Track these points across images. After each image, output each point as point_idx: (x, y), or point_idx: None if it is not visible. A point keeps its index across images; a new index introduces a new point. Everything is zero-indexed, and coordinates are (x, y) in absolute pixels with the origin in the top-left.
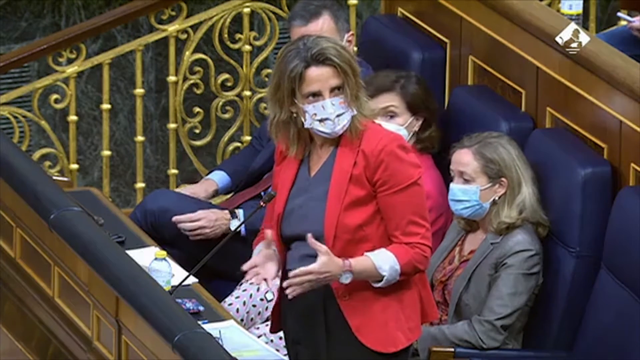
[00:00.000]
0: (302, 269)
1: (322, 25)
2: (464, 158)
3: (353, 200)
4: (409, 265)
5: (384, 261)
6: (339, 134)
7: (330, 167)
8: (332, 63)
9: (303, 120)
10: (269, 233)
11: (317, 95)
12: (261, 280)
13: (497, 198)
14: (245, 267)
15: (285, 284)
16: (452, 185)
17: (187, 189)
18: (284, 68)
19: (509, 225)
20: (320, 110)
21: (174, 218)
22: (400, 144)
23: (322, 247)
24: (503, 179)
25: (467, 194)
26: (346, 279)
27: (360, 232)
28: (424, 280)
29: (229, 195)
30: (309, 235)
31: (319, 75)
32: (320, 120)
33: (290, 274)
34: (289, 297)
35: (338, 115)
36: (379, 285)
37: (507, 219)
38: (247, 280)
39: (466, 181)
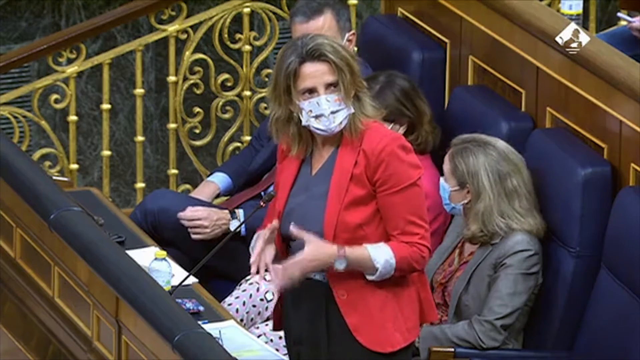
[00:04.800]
0: (290, 262)
1: (324, 23)
2: (445, 157)
3: (353, 200)
4: (405, 262)
5: (379, 254)
6: (334, 131)
7: (331, 166)
8: (327, 59)
9: (300, 117)
10: (274, 222)
11: (312, 91)
12: (262, 273)
13: (465, 203)
14: (251, 260)
15: (270, 278)
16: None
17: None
18: (280, 65)
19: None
20: (315, 107)
21: (179, 215)
22: (401, 144)
23: (307, 235)
24: (468, 185)
25: (444, 191)
26: (340, 265)
27: (359, 231)
28: (424, 281)
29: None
30: (292, 225)
31: (313, 72)
32: (316, 117)
33: (274, 268)
34: (274, 288)
35: (333, 112)
36: (373, 278)
37: (472, 227)
38: (247, 280)
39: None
